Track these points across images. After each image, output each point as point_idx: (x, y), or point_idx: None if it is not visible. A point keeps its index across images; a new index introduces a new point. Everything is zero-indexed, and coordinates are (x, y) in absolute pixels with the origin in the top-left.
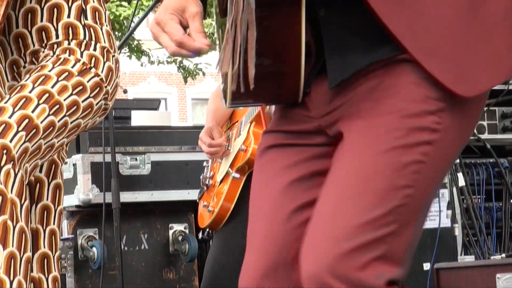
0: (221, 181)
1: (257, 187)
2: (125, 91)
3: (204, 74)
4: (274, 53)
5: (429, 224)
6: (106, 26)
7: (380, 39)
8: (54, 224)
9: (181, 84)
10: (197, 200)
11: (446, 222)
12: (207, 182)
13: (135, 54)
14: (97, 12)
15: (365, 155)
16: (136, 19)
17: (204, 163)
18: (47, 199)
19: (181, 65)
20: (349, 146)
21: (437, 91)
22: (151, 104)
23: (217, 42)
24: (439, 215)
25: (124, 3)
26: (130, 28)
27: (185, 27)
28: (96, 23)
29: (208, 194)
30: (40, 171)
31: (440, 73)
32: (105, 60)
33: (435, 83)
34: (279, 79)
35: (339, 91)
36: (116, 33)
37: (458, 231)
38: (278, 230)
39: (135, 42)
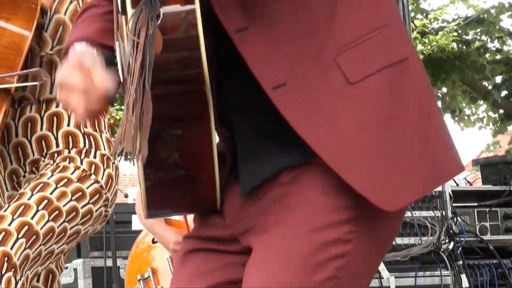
0: None
1: None
2: (126, 196)
3: None
4: (187, 162)
5: None
6: (106, 133)
7: (291, 143)
8: None
9: None
10: None
11: None
12: None
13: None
14: (96, 120)
15: (272, 275)
16: None
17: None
18: None
19: None
20: (256, 264)
21: (348, 199)
22: None
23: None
24: None
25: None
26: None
27: None
28: (96, 131)
29: None
30: (38, 281)
31: (360, 186)
32: (105, 167)
33: (346, 191)
34: (195, 187)
35: (250, 198)
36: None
37: None
38: None
39: None
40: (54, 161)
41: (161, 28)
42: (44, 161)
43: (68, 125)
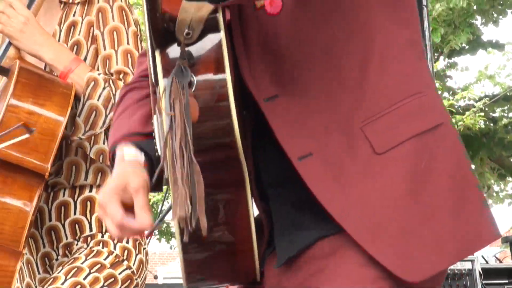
0: None
1: None
2: (155, 277)
3: None
4: (226, 233)
5: None
6: None
7: (325, 215)
8: None
9: None
10: None
11: None
12: None
13: (164, 236)
14: None
15: None
16: (166, 203)
17: None
18: None
19: None
20: None
21: (384, 269)
22: None
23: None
24: None
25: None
26: (161, 214)
27: (129, 204)
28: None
29: None
30: None
31: (384, 260)
32: (137, 252)
33: None
34: (234, 258)
35: (287, 269)
36: None
37: None
38: None
39: (164, 225)
40: (87, 245)
41: (194, 97)
42: (77, 244)
43: None
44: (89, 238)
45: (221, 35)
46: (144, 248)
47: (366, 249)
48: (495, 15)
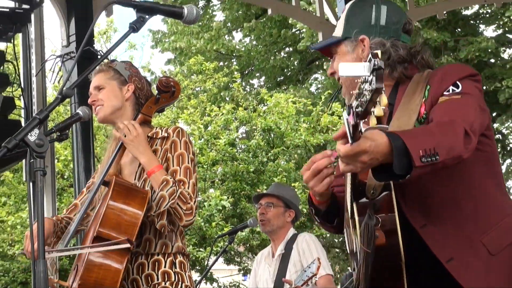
0: None
1: None
2: None
3: None
4: None
5: None
6: (188, 272)
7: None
8: None
9: None
10: None
11: None
12: None
13: (208, 281)
14: (183, 264)
15: None
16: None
17: None
18: None
19: None
20: None
21: None
22: None
23: None
24: None
25: (201, 249)
26: (207, 267)
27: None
28: (182, 270)
29: None
30: None
31: None
32: None
33: None
34: None
35: None
36: (197, 267)
37: None
38: None
39: (209, 274)
40: None
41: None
42: None
43: (165, 266)
44: (156, 285)
45: (393, 193)
46: None
47: None
48: None
